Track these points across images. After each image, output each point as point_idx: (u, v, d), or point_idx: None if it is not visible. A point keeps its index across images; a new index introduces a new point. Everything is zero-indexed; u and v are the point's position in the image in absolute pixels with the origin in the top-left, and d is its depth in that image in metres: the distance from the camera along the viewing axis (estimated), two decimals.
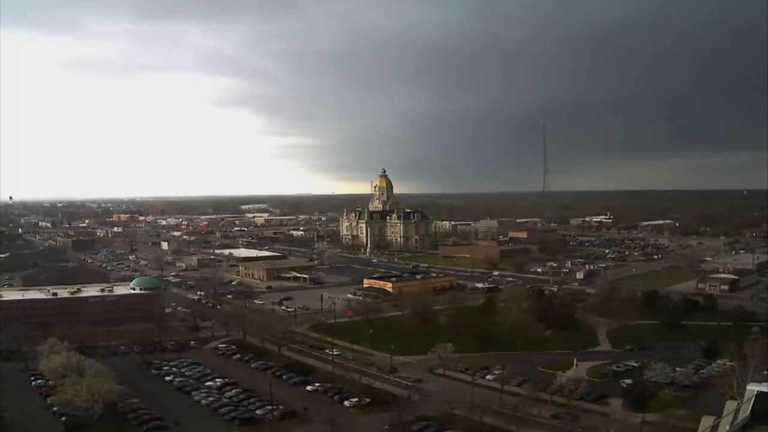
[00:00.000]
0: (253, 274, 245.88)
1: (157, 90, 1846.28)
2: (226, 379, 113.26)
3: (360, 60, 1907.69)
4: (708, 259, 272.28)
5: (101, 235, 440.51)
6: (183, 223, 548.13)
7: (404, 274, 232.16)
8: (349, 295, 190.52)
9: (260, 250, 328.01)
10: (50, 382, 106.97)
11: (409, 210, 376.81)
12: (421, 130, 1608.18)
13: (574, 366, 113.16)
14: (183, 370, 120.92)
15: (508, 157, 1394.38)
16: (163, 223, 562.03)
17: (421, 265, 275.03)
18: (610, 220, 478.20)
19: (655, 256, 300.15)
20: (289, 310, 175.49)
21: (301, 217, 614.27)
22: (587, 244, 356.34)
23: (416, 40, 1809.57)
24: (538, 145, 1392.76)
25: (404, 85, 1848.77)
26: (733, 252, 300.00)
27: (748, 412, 23.58)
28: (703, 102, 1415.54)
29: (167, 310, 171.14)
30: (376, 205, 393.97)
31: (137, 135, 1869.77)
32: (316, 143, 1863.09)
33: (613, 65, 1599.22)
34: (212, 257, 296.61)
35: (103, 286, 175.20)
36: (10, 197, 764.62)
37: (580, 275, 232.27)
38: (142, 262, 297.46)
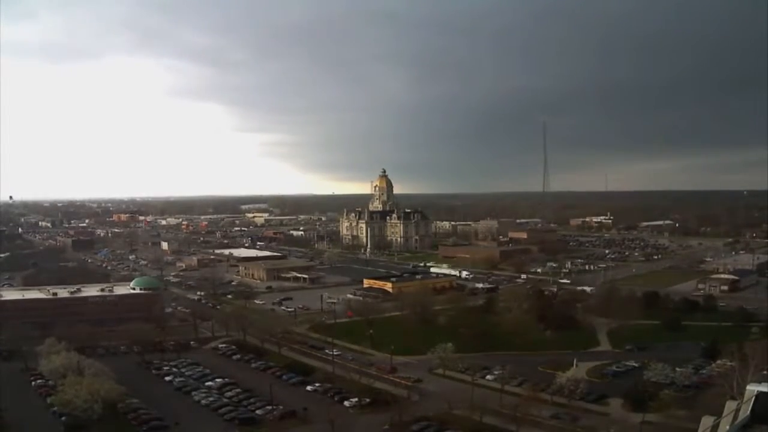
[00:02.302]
0: (253, 274, 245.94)
1: (117, 77, 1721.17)
2: (226, 379, 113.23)
3: (321, 36, 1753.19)
4: (708, 259, 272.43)
5: (101, 235, 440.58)
6: (183, 223, 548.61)
7: (404, 274, 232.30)
8: (349, 295, 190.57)
9: (260, 250, 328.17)
10: (50, 382, 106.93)
11: (409, 210, 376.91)
12: (408, 122, 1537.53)
13: (574, 366, 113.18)
14: (183, 370, 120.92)
15: (506, 155, 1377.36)
16: (163, 223, 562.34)
17: (424, 264, 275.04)
18: (610, 221, 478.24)
19: (655, 257, 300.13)
20: (289, 310, 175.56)
21: (301, 217, 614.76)
22: (587, 245, 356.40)
23: (381, 11, 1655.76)
24: (532, 142, 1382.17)
25: (378, 67, 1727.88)
26: (733, 252, 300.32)
27: (748, 412, 23.58)
28: (702, 99, 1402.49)
29: (167, 310, 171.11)
30: (376, 205, 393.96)
31: (130, 133, 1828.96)
32: (301, 140, 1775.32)
33: (609, 57, 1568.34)
34: (212, 257, 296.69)
35: (103, 286, 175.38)
36: (10, 197, 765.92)
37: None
38: (142, 262, 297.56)
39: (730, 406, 24.23)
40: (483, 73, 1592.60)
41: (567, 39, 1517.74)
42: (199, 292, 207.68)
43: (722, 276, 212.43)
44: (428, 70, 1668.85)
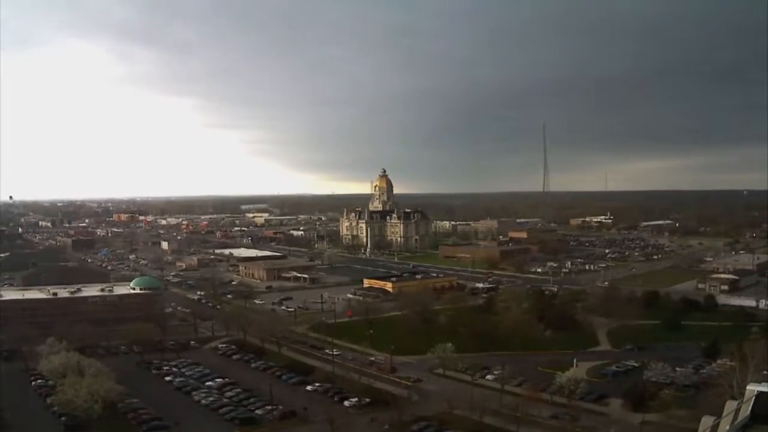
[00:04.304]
0: (253, 274, 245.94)
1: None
2: (226, 379, 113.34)
3: (271, 15, 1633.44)
4: (708, 259, 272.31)
5: (101, 235, 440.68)
6: (183, 223, 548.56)
7: (404, 274, 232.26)
8: (349, 295, 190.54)
9: (260, 250, 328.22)
10: (50, 382, 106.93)
11: (409, 210, 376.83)
12: (388, 116, 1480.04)
13: (574, 366, 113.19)
14: (183, 370, 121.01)
15: (505, 155, 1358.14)
16: (163, 223, 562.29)
17: (423, 265, 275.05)
18: (610, 221, 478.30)
19: (655, 257, 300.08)
20: (289, 310, 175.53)
21: (301, 217, 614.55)
22: (587, 245, 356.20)
23: None
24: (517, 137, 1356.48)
25: (338, 51, 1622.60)
26: (733, 252, 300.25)
27: (748, 412, 23.53)
28: (700, 95, 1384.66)
29: (167, 310, 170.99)
30: (376, 205, 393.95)
31: (132, 134, 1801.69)
32: (282, 138, 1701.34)
33: (602, 50, 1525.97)
34: (212, 257, 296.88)
35: (103, 286, 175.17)
36: (10, 197, 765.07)
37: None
38: (142, 262, 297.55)
39: (730, 406, 24.17)
40: (465, 62, 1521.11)
41: (559, 25, 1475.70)
42: (199, 292, 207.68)
43: (722, 276, 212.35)
44: (397, 58, 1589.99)
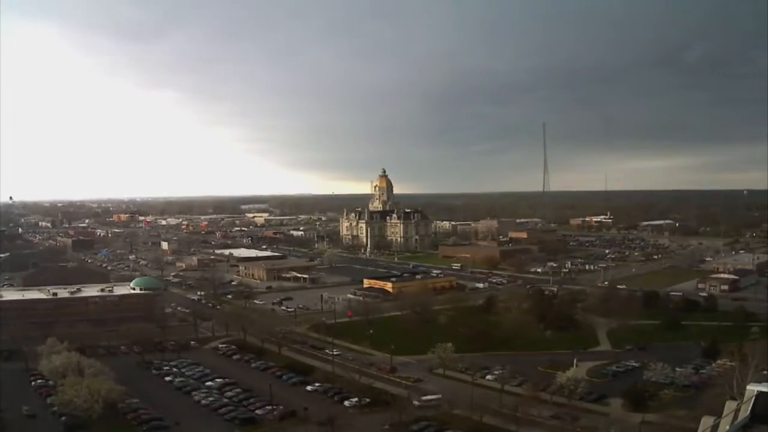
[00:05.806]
0: (253, 274, 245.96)
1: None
2: (226, 379, 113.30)
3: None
4: (708, 259, 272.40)
5: (101, 235, 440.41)
6: (183, 223, 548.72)
7: (404, 274, 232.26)
8: (349, 295, 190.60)
9: (260, 250, 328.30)
10: (50, 382, 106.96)
11: (409, 210, 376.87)
12: (380, 111, 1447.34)
13: (574, 366, 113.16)
14: (183, 370, 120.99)
15: (502, 154, 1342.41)
16: (163, 223, 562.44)
17: (423, 265, 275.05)
18: (610, 220, 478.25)
19: (655, 257, 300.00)
20: (289, 310, 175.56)
21: (301, 217, 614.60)
22: (587, 244, 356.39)
23: None
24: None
25: (303, 34, 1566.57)
26: (733, 252, 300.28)
27: (748, 412, 23.58)
28: (699, 93, 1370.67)
29: (167, 310, 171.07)
30: (376, 205, 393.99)
31: (131, 133, 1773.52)
32: (267, 137, 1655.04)
33: (594, 43, 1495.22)
34: (212, 257, 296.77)
35: (103, 286, 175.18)
36: (11, 197, 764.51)
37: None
38: (142, 262, 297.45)
39: (730, 406, 24.22)
40: (451, 54, 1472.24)
41: (548, 15, 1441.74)
42: (199, 292, 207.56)
43: (722, 276, 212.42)
44: (379, 49, 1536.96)
